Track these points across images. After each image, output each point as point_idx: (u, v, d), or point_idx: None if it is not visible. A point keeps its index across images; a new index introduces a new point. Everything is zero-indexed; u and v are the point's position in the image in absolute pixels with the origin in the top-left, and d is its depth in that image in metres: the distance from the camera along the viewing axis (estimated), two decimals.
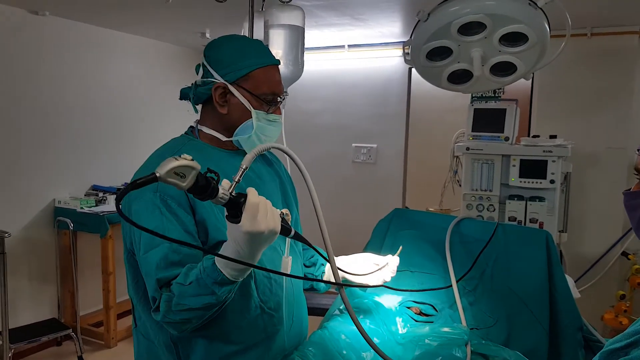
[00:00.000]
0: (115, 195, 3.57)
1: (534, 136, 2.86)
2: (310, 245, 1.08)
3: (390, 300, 1.35)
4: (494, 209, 2.77)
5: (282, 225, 0.97)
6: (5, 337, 2.89)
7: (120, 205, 0.79)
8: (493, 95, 2.84)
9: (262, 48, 1.27)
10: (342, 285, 1.08)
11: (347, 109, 4.19)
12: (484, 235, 1.37)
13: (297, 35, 1.95)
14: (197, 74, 1.26)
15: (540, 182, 2.65)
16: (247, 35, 2.05)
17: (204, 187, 0.85)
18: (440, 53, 1.95)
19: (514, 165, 2.73)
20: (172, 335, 1.15)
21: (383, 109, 4.05)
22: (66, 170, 3.58)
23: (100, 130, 3.76)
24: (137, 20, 3.43)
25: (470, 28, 1.81)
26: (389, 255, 1.33)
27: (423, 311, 1.30)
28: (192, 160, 0.82)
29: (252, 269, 1.01)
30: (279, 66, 1.26)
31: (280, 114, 1.29)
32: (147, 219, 1.07)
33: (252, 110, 1.21)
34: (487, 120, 2.84)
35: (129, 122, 3.93)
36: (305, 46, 4.09)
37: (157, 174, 0.79)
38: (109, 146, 3.80)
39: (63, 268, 3.57)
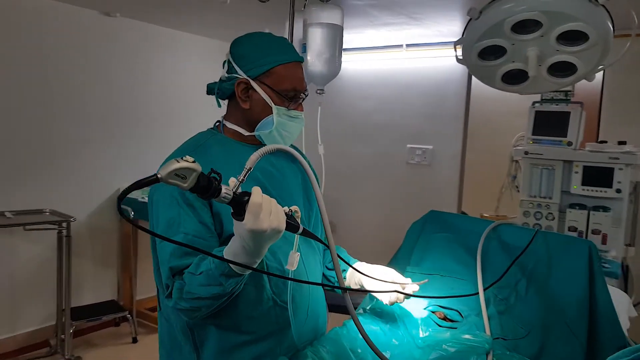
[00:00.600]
0: None
1: (601, 142, 2.69)
2: (319, 240, 1.08)
3: (415, 304, 1.32)
4: (553, 218, 2.63)
5: (289, 222, 0.98)
6: (67, 314, 3.09)
7: (122, 203, 0.84)
8: (564, 97, 2.71)
9: (285, 44, 1.28)
10: (347, 289, 1.07)
11: (403, 108, 4.13)
12: (523, 243, 1.30)
13: (334, 34, 1.95)
14: (224, 69, 1.29)
15: (605, 191, 2.49)
16: (287, 33, 2.08)
17: (206, 187, 0.88)
18: (493, 52, 1.88)
19: (576, 172, 2.58)
20: (188, 321, 1.18)
21: (440, 110, 3.95)
22: (131, 161, 3.77)
23: (164, 124, 3.93)
24: (200, 21, 3.54)
25: (525, 26, 1.72)
26: (409, 280, 1.32)
27: (448, 316, 1.26)
28: (193, 162, 0.86)
29: (260, 262, 1.02)
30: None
31: (302, 110, 1.29)
32: (164, 209, 1.13)
33: (273, 106, 1.23)
34: (549, 124, 2.70)
35: (186, 116, 4.07)
36: (361, 46, 4.09)
37: (159, 175, 0.83)
38: (172, 140, 3.93)
39: (124, 253, 3.77)
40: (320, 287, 1.08)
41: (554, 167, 2.61)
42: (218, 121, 1.35)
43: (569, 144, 2.59)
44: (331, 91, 4.40)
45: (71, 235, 3.10)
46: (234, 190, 0.93)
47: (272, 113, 1.23)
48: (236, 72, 1.24)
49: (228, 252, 1.01)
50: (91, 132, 3.55)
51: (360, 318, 1.23)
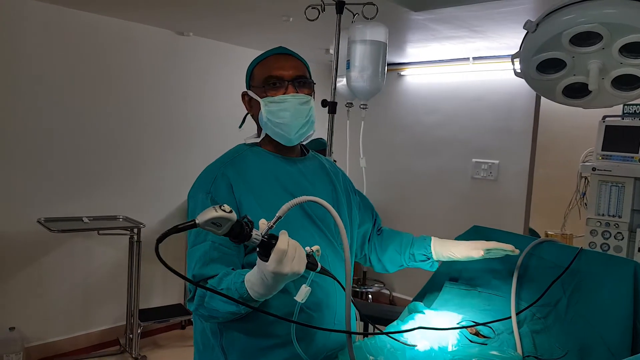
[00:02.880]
0: None
1: None
2: (335, 279, 1.09)
3: (450, 317, 1.30)
4: (622, 238, 2.48)
5: (308, 261, 1.02)
6: (135, 315, 3.28)
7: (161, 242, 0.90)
8: None
9: (267, 51, 1.36)
10: (351, 333, 1.07)
11: (468, 122, 4.05)
12: (565, 261, 1.24)
13: (378, 51, 1.97)
14: None
15: None
16: (332, 48, 2.13)
17: (239, 233, 0.93)
18: (552, 65, 1.81)
19: None
20: (218, 323, 1.24)
21: (507, 124, 3.84)
22: (199, 173, 3.95)
23: (228, 138, 4.09)
24: (264, 39, 3.68)
25: (585, 38, 1.65)
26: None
27: (480, 332, 1.23)
28: (230, 212, 0.91)
29: (276, 292, 1.06)
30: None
31: (294, 92, 1.30)
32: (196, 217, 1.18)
33: (259, 99, 1.31)
34: (620, 139, 2.56)
35: (251, 131, 4.21)
36: (427, 59, 4.07)
37: (197, 222, 0.90)
38: None
39: None
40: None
41: (624, 185, 2.47)
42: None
43: None
44: (394, 105, 4.44)
45: (142, 240, 3.29)
46: (262, 234, 0.97)
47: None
48: None
49: (248, 280, 1.06)
50: (163, 143, 3.78)
51: (394, 327, 1.24)
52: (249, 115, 1.43)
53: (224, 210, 0.90)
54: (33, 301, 3.22)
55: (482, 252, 1.33)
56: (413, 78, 4.39)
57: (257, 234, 0.96)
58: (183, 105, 3.86)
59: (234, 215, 0.91)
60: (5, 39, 2.98)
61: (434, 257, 1.44)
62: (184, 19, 3.30)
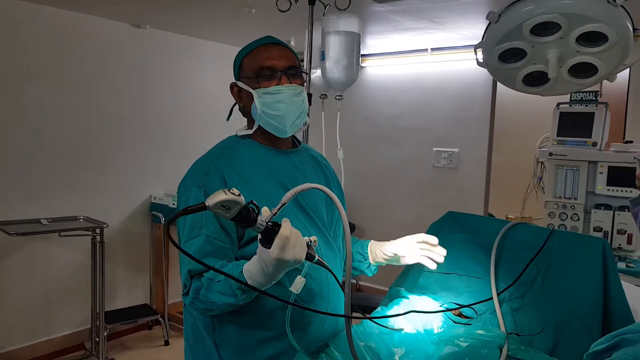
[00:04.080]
0: None
1: (627, 142, 2.66)
2: (330, 270, 1.13)
3: (432, 301, 1.35)
4: (578, 219, 2.61)
5: (307, 251, 1.04)
6: (101, 317, 3.20)
7: (172, 222, 0.89)
8: (593, 98, 2.69)
9: (259, 39, 1.34)
10: (350, 317, 1.09)
11: (428, 112, 4.14)
12: (538, 241, 1.31)
13: (352, 41, 1.99)
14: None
15: (631, 191, 2.46)
16: (306, 41, 2.13)
17: (245, 218, 0.95)
18: (513, 55, 1.89)
19: (601, 173, 2.56)
20: (211, 317, 1.24)
21: (466, 113, 3.95)
22: (162, 169, 3.88)
23: (195, 131, 4.03)
24: (226, 30, 3.63)
25: (544, 28, 1.73)
26: (435, 239, 1.37)
27: (463, 313, 1.29)
28: (238, 195, 0.92)
29: (275, 281, 1.08)
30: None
31: (287, 83, 1.28)
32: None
33: (252, 91, 1.28)
34: (574, 125, 2.69)
35: (216, 124, 4.16)
36: (386, 51, 4.12)
37: (207, 204, 0.90)
38: (199, 148, 4.04)
39: (156, 258, 3.87)
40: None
41: (578, 168, 2.60)
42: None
43: (594, 144, 2.58)
44: (357, 96, 4.48)
45: (104, 241, 3.21)
46: (267, 221, 0.99)
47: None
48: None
49: (247, 269, 1.07)
50: (123, 140, 3.67)
51: (379, 313, 1.27)
52: (237, 107, 1.40)
53: (233, 194, 0.91)
54: None
55: (408, 247, 1.37)
56: (373, 69, 4.44)
57: (261, 220, 0.98)
58: (142, 100, 3.76)
59: (242, 199, 0.93)
60: None
61: (370, 256, 1.46)
62: (141, 11, 3.22)
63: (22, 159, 3.16)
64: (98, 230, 3.18)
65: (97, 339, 3.24)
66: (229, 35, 3.82)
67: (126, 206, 3.74)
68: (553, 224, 2.66)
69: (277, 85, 1.27)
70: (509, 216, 3.30)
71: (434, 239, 1.38)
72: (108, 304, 3.45)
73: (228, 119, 1.42)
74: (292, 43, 3.78)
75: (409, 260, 1.40)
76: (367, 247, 1.47)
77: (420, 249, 1.38)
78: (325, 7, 2.12)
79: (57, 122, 3.31)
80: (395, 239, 1.42)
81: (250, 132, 1.34)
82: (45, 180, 3.28)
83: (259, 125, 1.31)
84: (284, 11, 2.08)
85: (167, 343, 3.61)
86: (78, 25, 3.34)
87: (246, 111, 1.34)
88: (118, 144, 3.64)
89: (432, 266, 1.38)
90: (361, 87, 4.48)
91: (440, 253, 1.37)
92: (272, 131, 1.31)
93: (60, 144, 3.33)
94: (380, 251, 1.44)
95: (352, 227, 4.43)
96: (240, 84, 1.31)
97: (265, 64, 1.27)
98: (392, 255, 1.41)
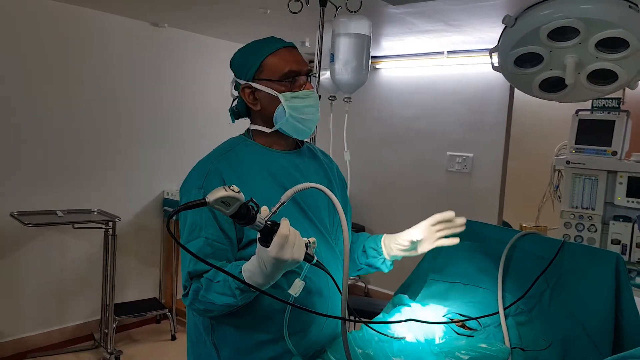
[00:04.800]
0: None
1: None
2: (328, 273, 1.11)
3: (435, 310, 1.31)
4: (596, 230, 2.55)
5: (306, 252, 1.04)
6: (110, 309, 3.23)
7: (173, 218, 0.89)
8: (616, 105, 2.62)
9: (270, 40, 1.31)
10: (346, 320, 1.08)
11: (443, 116, 4.10)
12: (548, 253, 1.27)
13: (362, 44, 1.97)
14: (233, 91, 1.35)
15: None
16: (317, 43, 2.11)
17: (245, 215, 0.95)
18: (530, 59, 1.85)
19: (620, 183, 2.49)
20: (210, 318, 1.24)
21: (482, 117, 3.90)
22: (175, 165, 3.90)
23: (206, 129, 4.04)
24: (241, 30, 3.64)
25: (562, 33, 1.69)
26: (451, 213, 1.33)
27: (466, 324, 1.26)
28: (238, 192, 0.92)
29: (273, 282, 1.07)
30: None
31: (311, 88, 1.30)
32: (191, 214, 1.19)
33: (278, 95, 1.26)
34: (593, 133, 2.63)
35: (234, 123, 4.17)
36: (401, 53, 4.08)
37: (207, 200, 0.91)
38: (213, 146, 4.06)
39: (166, 254, 3.90)
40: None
41: (597, 178, 2.53)
42: (248, 128, 1.40)
43: (614, 153, 2.51)
44: (370, 98, 4.45)
45: (117, 234, 3.24)
46: (266, 219, 0.99)
47: (280, 102, 1.26)
48: (239, 85, 1.31)
49: (246, 269, 1.07)
50: (138, 136, 3.70)
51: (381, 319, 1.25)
52: (234, 107, 1.38)
53: (233, 190, 0.92)
54: (6, 296, 3.15)
55: (424, 230, 1.34)
56: (388, 71, 4.41)
57: (260, 218, 0.98)
58: (158, 98, 3.79)
59: (242, 196, 0.93)
60: None
61: (384, 251, 1.42)
62: (159, 10, 3.24)
63: (41, 151, 3.21)
64: (111, 224, 3.21)
65: (105, 330, 3.27)
66: (245, 35, 3.82)
67: (140, 201, 3.77)
68: (569, 234, 2.61)
69: (303, 89, 1.28)
70: (523, 225, 3.24)
71: (449, 213, 1.34)
72: (118, 297, 3.48)
73: (234, 120, 1.40)
74: (307, 44, 3.77)
75: (426, 246, 1.36)
76: (381, 241, 1.44)
77: (436, 232, 1.35)
78: (336, 9, 2.11)
79: (75, 117, 3.35)
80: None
81: (265, 129, 1.32)
82: (63, 173, 3.32)
83: (259, 127, 1.31)
84: (296, 13, 2.07)
85: (173, 338, 3.63)
86: (100, 23, 3.39)
87: (264, 112, 1.30)
88: (134, 140, 3.68)
89: (454, 242, 1.34)
90: (374, 89, 4.45)
91: (459, 223, 1.34)
92: (293, 134, 1.30)
93: (79, 138, 3.38)
94: (395, 243, 1.40)
95: (362, 229, 4.40)
96: (258, 86, 1.27)
97: (294, 68, 1.27)
98: (408, 243, 1.37)
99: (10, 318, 3.17)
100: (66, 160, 3.33)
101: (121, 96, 3.58)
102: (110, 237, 3.22)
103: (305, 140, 1.45)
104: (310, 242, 1.05)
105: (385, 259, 1.44)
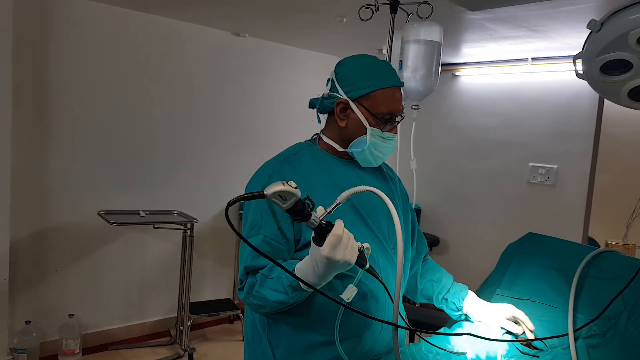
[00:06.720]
0: None
1: None
2: (380, 280, 1.10)
3: (500, 329, 1.25)
4: None
5: (358, 257, 1.04)
6: (186, 307, 3.38)
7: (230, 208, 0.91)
8: None
9: (387, 69, 1.31)
10: (397, 326, 1.06)
11: (525, 125, 3.91)
12: (627, 273, 1.17)
13: (431, 51, 1.93)
14: (327, 87, 1.35)
15: None
16: (386, 48, 2.09)
17: (300, 211, 0.97)
18: (617, 67, 1.72)
19: None
20: (267, 316, 1.27)
21: (568, 127, 3.67)
22: (252, 171, 4.01)
23: (282, 136, 4.14)
24: (318, 40, 3.70)
25: None
26: (530, 324, 1.30)
27: (532, 344, 1.18)
28: (295, 188, 0.95)
29: (324, 282, 1.08)
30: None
31: (396, 132, 1.33)
32: (252, 212, 1.24)
33: (368, 127, 1.27)
34: None
35: (305, 129, 4.24)
36: (483, 59, 3.96)
37: (265, 192, 0.94)
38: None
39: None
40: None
41: None
42: (316, 134, 1.42)
43: None
44: (446, 106, 4.35)
45: (194, 235, 3.39)
46: (321, 218, 1.01)
47: (366, 133, 1.27)
48: (337, 92, 1.30)
49: (299, 268, 1.09)
50: (218, 142, 3.88)
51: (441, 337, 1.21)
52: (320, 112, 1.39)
53: (290, 186, 0.94)
54: (91, 290, 3.38)
55: (504, 323, 1.31)
56: (468, 79, 4.29)
57: (315, 217, 1.00)
58: (240, 104, 3.95)
59: (298, 192, 0.95)
60: (64, 39, 3.10)
61: (464, 309, 1.43)
62: (240, 20, 3.37)
63: (126, 155, 3.44)
64: (189, 225, 3.36)
65: (181, 327, 3.42)
66: (321, 44, 3.89)
67: (217, 203, 3.92)
68: None
69: (391, 132, 1.31)
70: (610, 242, 3.02)
71: (524, 317, 1.31)
72: (194, 296, 3.64)
73: (320, 120, 1.42)
74: (384, 52, 3.75)
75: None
76: (463, 301, 1.44)
77: (500, 327, 1.33)
78: (408, 16, 2.08)
79: (160, 123, 3.56)
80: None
81: (337, 146, 1.34)
82: (147, 175, 3.54)
83: (331, 141, 1.34)
84: (366, 20, 2.07)
85: (244, 339, 3.72)
86: (184, 32, 3.59)
87: (346, 132, 1.32)
88: (214, 145, 3.85)
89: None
90: (452, 97, 4.35)
91: (528, 328, 1.30)
92: (360, 161, 1.34)
93: (161, 143, 3.59)
94: (470, 312, 1.42)
95: (437, 241, 4.29)
96: (355, 107, 1.28)
97: (394, 111, 1.30)
98: (477, 320, 1.39)
99: (96, 311, 3.41)
100: (150, 163, 3.55)
101: (205, 102, 3.76)
102: (188, 237, 3.37)
103: None
104: (364, 248, 1.06)
105: (461, 314, 1.46)
